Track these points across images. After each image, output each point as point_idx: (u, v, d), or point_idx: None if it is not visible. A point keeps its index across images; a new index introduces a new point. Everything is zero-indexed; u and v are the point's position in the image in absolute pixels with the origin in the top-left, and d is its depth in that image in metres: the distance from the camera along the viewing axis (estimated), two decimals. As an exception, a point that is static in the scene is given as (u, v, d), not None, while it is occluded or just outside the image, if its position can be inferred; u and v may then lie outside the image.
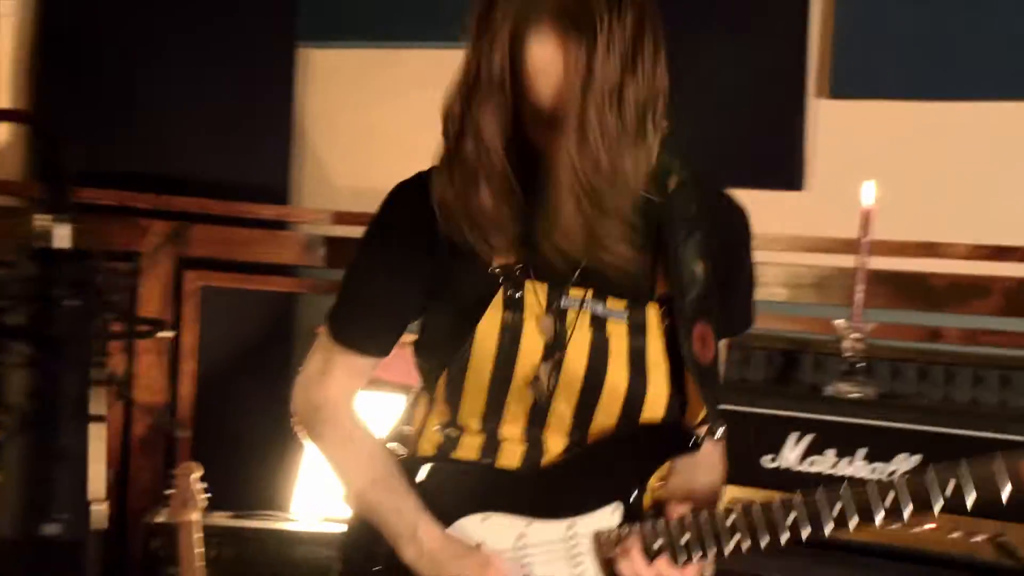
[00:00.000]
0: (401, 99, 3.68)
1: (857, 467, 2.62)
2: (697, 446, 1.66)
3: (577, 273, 1.67)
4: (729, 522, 1.60)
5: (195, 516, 2.82)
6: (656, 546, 1.62)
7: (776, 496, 1.60)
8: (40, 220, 1.08)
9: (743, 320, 1.80)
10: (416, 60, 3.67)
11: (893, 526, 1.56)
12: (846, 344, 2.68)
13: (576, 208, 1.58)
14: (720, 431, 1.67)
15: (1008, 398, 2.76)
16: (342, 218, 3.67)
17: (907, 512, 1.53)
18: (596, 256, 1.62)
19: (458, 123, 1.63)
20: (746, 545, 1.60)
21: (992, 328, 3.20)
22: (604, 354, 1.66)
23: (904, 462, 2.59)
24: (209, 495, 2.84)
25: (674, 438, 1.68)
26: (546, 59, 1.58)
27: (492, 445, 1.70)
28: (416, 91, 3.84)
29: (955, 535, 2.52)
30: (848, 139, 3.39)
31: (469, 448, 1.72)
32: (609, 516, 1.66)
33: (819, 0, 3.36)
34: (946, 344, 3.23)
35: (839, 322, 2.69)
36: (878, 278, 3.03)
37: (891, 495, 1.53)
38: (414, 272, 1.73)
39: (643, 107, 1.59)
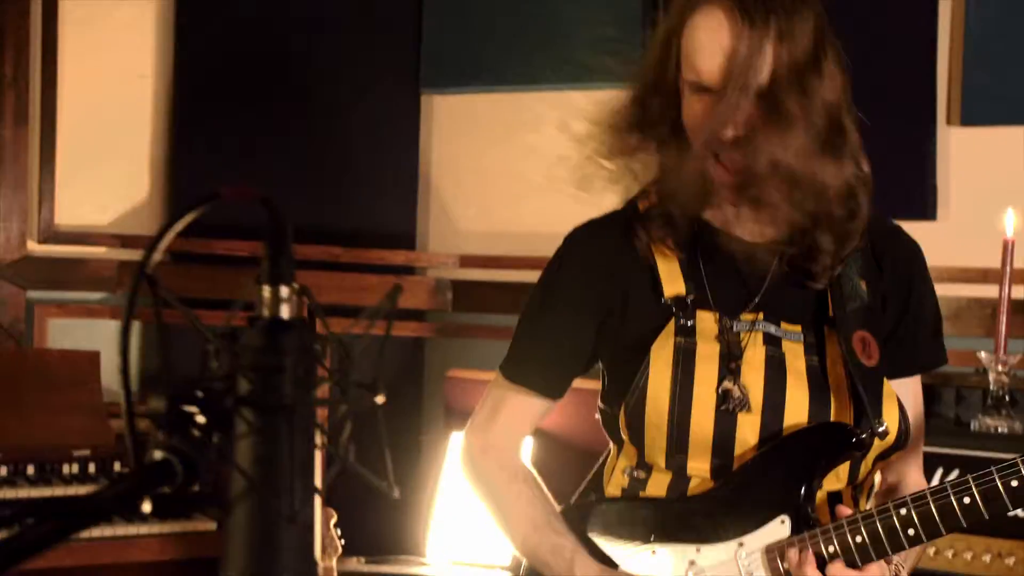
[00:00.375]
0: (517, 141, 3.71)
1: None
2: (860, 446, 1.61)
3: (748, 301, 1.69)
4: (902, 515, 1.55)
5: (332, 563, 2.85)
6: (829, 551, 1.58)
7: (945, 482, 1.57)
8: (266, 289, 1.12)
9: (932, 355, 1.78)
10: (530, 102, 3.69)
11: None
12: (991, 376, 2.61)
13: (751, 184, 1.60)
14: (883, 429, 1.62)
15: None
16: (467, 261, 3.71)
17: None
18: (804, 231, 1.63)
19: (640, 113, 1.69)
20: (924, 536, 1.56)
21: None
22: (782, 371, 1.64)
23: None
24: (344, 541, 2.87)
25: (832, 439, 1.64)
26: (711, 34, 1.59)
27: (681, 480, 1.68)
28: (531, 133, 3.91)
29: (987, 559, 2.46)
30: (980, 167, 3.32)
31: (658, 487, 1.70)
32: (778, 529, 1.63)
33: (947, 27, 3.29)
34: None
35: (983, 355, 2.62)
36: (1015, 307, 2.95)
37: None
38: (588, 311, 1.76)
39: (833, 109, 1.59)
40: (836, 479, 1.68)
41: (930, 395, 2.86)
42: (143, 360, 3.82)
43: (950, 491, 1.56)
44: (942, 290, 3.25)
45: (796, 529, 1.63)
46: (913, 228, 3.33)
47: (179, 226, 1.16)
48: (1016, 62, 3.23)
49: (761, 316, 1.69)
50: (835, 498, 1.67)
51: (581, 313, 1.76)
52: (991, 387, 2.60)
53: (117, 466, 3.16)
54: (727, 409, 1.64)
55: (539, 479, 1.82)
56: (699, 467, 1.67)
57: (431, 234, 3.86)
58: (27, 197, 3.57)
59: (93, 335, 3.64)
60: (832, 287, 1.69)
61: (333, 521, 2.86)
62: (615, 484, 1.74)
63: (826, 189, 1.61)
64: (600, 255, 1.77)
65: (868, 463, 1.70)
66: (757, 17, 1.56)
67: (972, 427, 2.62)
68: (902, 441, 1.69)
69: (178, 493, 1.13)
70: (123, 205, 3.75)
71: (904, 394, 1.73)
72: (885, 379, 1.68)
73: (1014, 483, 1.52)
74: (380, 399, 1.10)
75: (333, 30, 3.81)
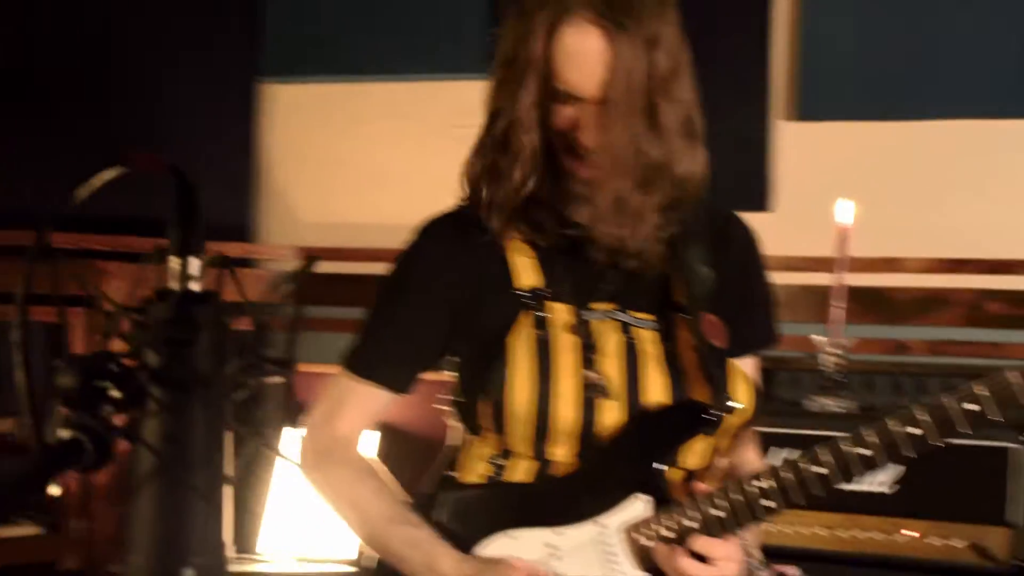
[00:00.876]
0: (365, 132, 3.69)
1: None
2: (713, 421, 1.66)
3: (600, 292, 1.72)
4: (759, 487, 1.60)
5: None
6: (689, 527, 1.61)
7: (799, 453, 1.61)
8: (174, 262, 1.07)
9: (766, 335, 1.85)
10: (380, 93, 3.68)
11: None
12: (826, 359, 2.74)
13: (623, 187, 1.63)
14: (733, 404, 1.67)
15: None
16: (308, 254, 3.67)
17: (933, 439, 1.55)
18: (629, 244, 1.66)
19: (494, 108, 1.68)
20: (781, 507, 1.60)
21: (955, 339, 3.30)
22: (635, 357, 1.69)
23: (889, 472, 2.65)
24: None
25: (686, 417, 1.67)
26: (586, 46, 1.61)
27: (546, 467, 1.69)
28: (381, 123, 3.89)
29: (932, 541, 2.60)
30: (813, 160, 3.48)
31: (523, 474, 1.71)
32: (636, 507, 1.65)
33: (783, 24, 3.44)
34: (913, 356, 3.32)
35: (818, 338, 2.75)
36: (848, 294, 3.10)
37: (913, 425, 1.55)
38: (440, 304, 1.75)
39: (691, 106, 1.66)
40: (694, 457, 1.72)
41: (765, 378, 2.96)
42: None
43: (804, 462, 1.60)
44: (777, 279, 3.41)
45: (655, 507, 1.65)
46: (748, 219, 3.50)
47: (87, 190, 1.12)
48: (850, 59, 3.41)
49: (614, 306, 1.73)
50: (691, 477, 1.71)
51: (433, 306, 1.76)
52: (826, 369, 2.73)
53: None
54: (589, 397, 1.67)
55: (387, 472, 1.80)
56: (564, 454, 1.69)
57: (271, 226, 3.80)
58: None
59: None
60: (679, 274, 1.74)
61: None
62: (476, 472, 1.74)
63: (688, 181, 1.68)
64: (453, 247, 1.76)
65: (721, 440, 1.74)
66: (630, 24, 1.60)
67: (808, 408, 2.74)
68: (757, 415, 1.75)
69: (87, 471, 1.10)
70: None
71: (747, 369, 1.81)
72: (733, 359, 1.74)
73: (861, 451, 1.57)
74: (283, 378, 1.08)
75: (162, 14, 3.71)
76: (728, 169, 3.34)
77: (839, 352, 2.73)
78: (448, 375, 1.80)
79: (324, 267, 3.67)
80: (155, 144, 3.72)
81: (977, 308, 3.32)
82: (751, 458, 1.82)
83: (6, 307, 3.41)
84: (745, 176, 3.40)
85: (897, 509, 2.64)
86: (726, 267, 1.77)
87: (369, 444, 1.84)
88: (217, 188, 3.76)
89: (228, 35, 3.76)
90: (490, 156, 1.71)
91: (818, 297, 3.16)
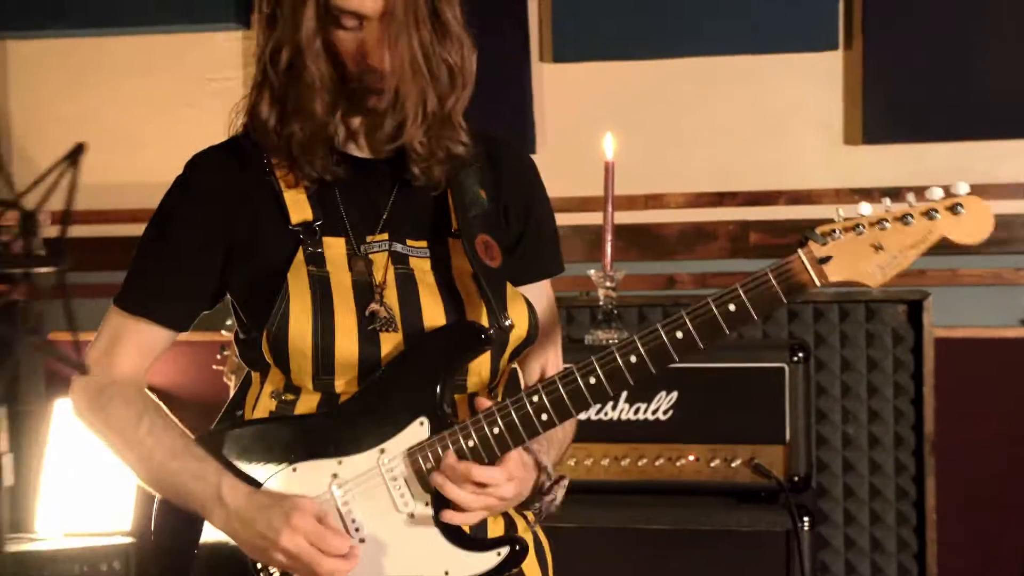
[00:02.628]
0: (116, 89, 3.53)
1: (622, 410, 2.74)
2: (488, 340, 1.66)
3: (374, 223, 1.70)
4: (535, 402, 1.62)
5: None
6: (469, 445, 1.61)
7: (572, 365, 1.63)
8: None
9: (554, 262, 1.85)
10: (129, 47, 3.53)
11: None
12: (601, 293, 2.78)
13: (429, 98, 1.62)
14: (509, 323, 1.68)
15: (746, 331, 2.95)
16: (58, 217, 3.48)
17: (700, 338, 1.59)
18: (439, 155, 1.67)
19: (274, 43, 1.65)
20: (556, 419, 1.62)
21: (720, 271, 3.41)
22: (413, 286, 1.68)
23: (664, 400, 2.72)
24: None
25: (461, 337, 1.67)
26: None
27: (331, 399, 1.67)
28: (132, 79, 3.73)
29: (714, 464, 2.68)
30: (574, 100, 3.51)
31: (308, 407, 1.69)
32: (417, 431, 1.64)
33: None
34: (682, 289, 3.42)
35: (593, 272, 2.79)
36: (616, 232, 3.16)
37: (680, 329, 1.59)
38: (212, 238, 1.70)
39: (457, 7, 1.66)
40: (479, 379, 1.73)
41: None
42: None
43: (576, 373, 1.63)
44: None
45: (436, 430, 1.63)
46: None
47: None
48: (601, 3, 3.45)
49: (387, 236, 1.72)
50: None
51: (204, 240, 1.71)
52: (601, 303, 2.77)
53: None
54: (374, 329, 1.66)
55: (167, 411, 1.74)
56: (347, 386, 1.68)
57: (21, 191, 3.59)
58: None
59: None
60: (453, 196, 1.74)
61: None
62: (262, 408, 1.71)
63: (469, 80, 1.68)
64: (223, 181, 1.72)
65: (505, 360, 1.76)
66: None
67: (586, 341, 2.78)
68: (533, 335, 1.76)
69: None
70: None
71: (537, 297, 1.81)
72: (508, 282, 1.75)
73: (633, 359, 1.60)
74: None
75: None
76: (493, 115, 3.41)
77: (611, 286, 2.77)
78: (231, 319, 1.76)
79: (83, 231, 3.54)
80: None
81: (740, 240, 3.44)
82: (552, 369, 1.83)
83: None
84: (510, 120, 3.41)
85: (680, 435, 2.72)
86: (508, 192, 1.77)
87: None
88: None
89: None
90: (278, 90, 1.67)
91: (590, 236, 3.22)
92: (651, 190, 3.46)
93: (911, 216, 1.55)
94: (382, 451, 1.64)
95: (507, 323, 1.68)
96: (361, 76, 1.64)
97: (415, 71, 1.62)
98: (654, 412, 2.75)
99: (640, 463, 2.74)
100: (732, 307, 1.58)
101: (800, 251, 1.57)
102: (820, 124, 3.44)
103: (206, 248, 1.71)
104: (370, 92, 1.65)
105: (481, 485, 1.60)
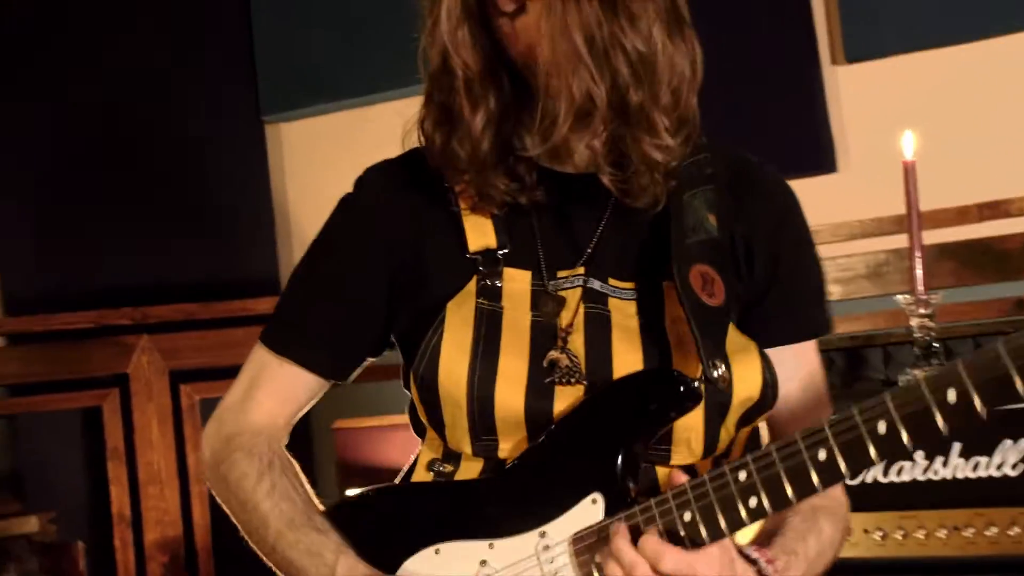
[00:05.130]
0: (378, 154, 3.37)
1: (956, 465, 2.21)
2: (689, 395, 1.28)
3: (571, 255, 1.39)
4: (740, 480, 1.21)
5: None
6: (650, 531, 1.23)
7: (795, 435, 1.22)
8: None
9: (816, 319, 1.45)
10: (384, 113, 3.36)
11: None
12: (914, 322, 2.26)
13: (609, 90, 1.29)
14: (720, 371, 1.28)
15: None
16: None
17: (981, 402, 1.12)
18: (648, 165, 1.33)
19: (433, 54, 1.38)
20: (769, 506, 1.21)
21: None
22: (606, 329, 1.34)
23: (1011, 451, 2.17)
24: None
25: (652, 393, 1.30)
26: None
27: (494, 468, 1.36)
28: (389, 145, 3.57)
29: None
30: (874, 104, 3.00)
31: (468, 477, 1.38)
32: (588, 512, 1.28)
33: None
34: (1035, 314, 2.81)
35: (902, 298, 2.28)
36: (940, 253, 2.63)
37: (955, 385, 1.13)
38: (374, 263, 1.43)
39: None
40: (687, 450, 1.34)
41: (857, 360, 2.53)
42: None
43: (801, 444, 1.21)
44: (854, 247, 2.98)
45: (612, 510, 1.28)
46: (815, 185, 3.08)
47: None
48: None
49: (582, 270, 1.39)
50: (693, 475, 1.30)
51: (364, 267, 1.42)
52: (915, 334, 2.26)
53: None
54: (551, 381, 1.33)
55: (299, 470, 1.47)
56: (514, 452, 1.35)
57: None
58: None
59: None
60: (672, 220, 1.37)
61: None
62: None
63: (683, 92, 1.34)
64: (391, 198, 1.45)
65: (730, 428, 1.37)
66: None
67: (900, 382, 2.27)
68: (768, 399, 1.37)
69: None
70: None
71: (794, 365, 1.42)
72: (733, 326, 1.38)
73: (881, 428, 1.16)
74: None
75: (159, 66, 3.47)
76: (779, 127, 2.97)
77: (926, 313, 2.25)
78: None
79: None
80: (167, 205, 3.49)
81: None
82: None
83: (45, 397, 3.28)
84: (800, 131, 2.93)
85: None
86: (742, 224, 1.40)
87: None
88: (239, 241, 3.51)
89: (229, 80, 3.51)
90: (436, 99, 1.39)
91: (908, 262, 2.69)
92: (986, 197, 2.88)
93: None
94: (542, 534, 1.30)
95: (716, 373, 1.27)
96: (530, 70, 1.33)
97: (573, 56, 1.28)
98: (999, 467, 2.19)
99: (988, 532, 2.19)
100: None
101: None
102: None
103: (365, 276, 1.43)
104: (540, 90, 1.32)
105: None
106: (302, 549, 1.37)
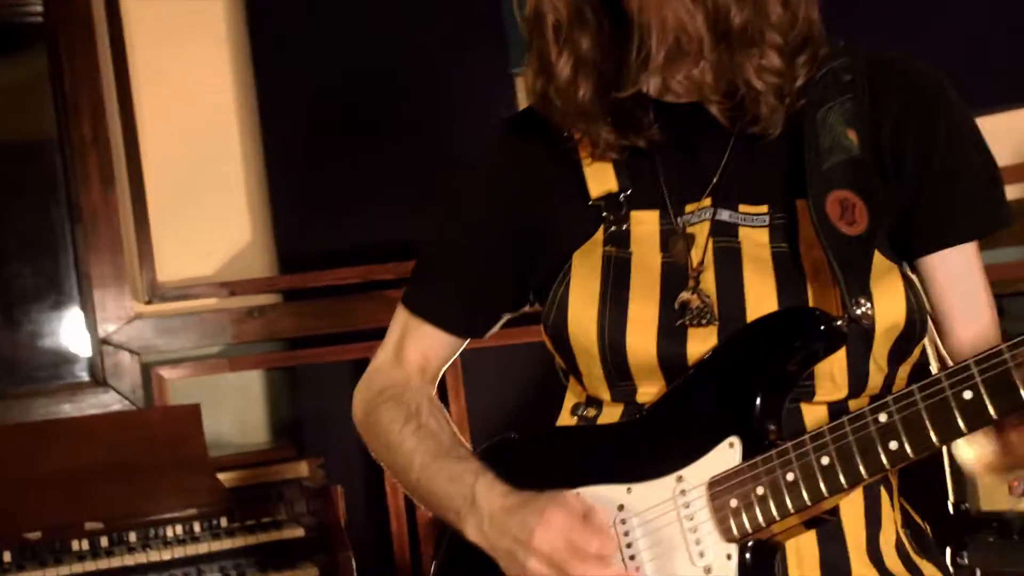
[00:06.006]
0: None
1: None
2: (831, 334, 1.20)
3: (697, 187, 1.34)
4: (881, 422, 1.14)
5: None
6: (788, 479, 1.18)
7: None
8: None
9: (982, 214, 1.32)
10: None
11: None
12: None
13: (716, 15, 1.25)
14: (864, 308, 1.20)
15: None
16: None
17: None
18: (751, 90, 1.28)
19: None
20: (910, 450, 1.14)
21: None
22: (737, 263, 1.29)
23: None
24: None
25: (791, 330, 1.23)
26: None
27: (634, 411, 1.35)
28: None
29: None
30: None
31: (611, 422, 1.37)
32: (726, 456, 1.24)
33: None
34: None
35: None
36: None
37: None
38: (501, 220, 1.45)
39: None
40: (832, 385, 1.26)
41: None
42: (272, 408, 3.63)
43: (945, 383, 1.12)
44: None
45: (749, 453, 1.23)
46: None
47: None
48: None
49: (708, 202, 1.33)
50: (842, 413, 1.22)
51: (489, 226, 1.45)
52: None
53: (224, 522, 2.94)
54: (683, 324, 1.28)
55: (447, 414, 1.48)
56: (653, 393, 1.32)
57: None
58: (125, 259, 3.46)
59: (217, 389, 3.47)
60: (805, 143, 1.28)
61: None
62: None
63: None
64: (512, 154, 1.46)
65: (880, 363, 1.27)
66: None
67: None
68: (915, 325, 1.27)
69: None
70: (226, 249, 3.58)
71: (952, 270, 1.31)
72: (878, 251, 1.27)
73: None
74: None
75: (424, 25, 3.56)
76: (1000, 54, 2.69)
77: None
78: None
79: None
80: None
81: None
82: None
83: (319, 350, 3.44)
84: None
85: None
86: (887, 131, 1.30)
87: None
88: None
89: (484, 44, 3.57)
90: (534, 46, 1.39)
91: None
92: None
93: None
94: (679, 479, 1.26)
95: (859, 311, 1.20)
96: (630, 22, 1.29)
97: None
98: None
99: None
100: None
101: None
102: None
103: (490, 237, 1.45)
104: (634, 23, 1.29)
105: None
106: (444, 477, 1.39)
